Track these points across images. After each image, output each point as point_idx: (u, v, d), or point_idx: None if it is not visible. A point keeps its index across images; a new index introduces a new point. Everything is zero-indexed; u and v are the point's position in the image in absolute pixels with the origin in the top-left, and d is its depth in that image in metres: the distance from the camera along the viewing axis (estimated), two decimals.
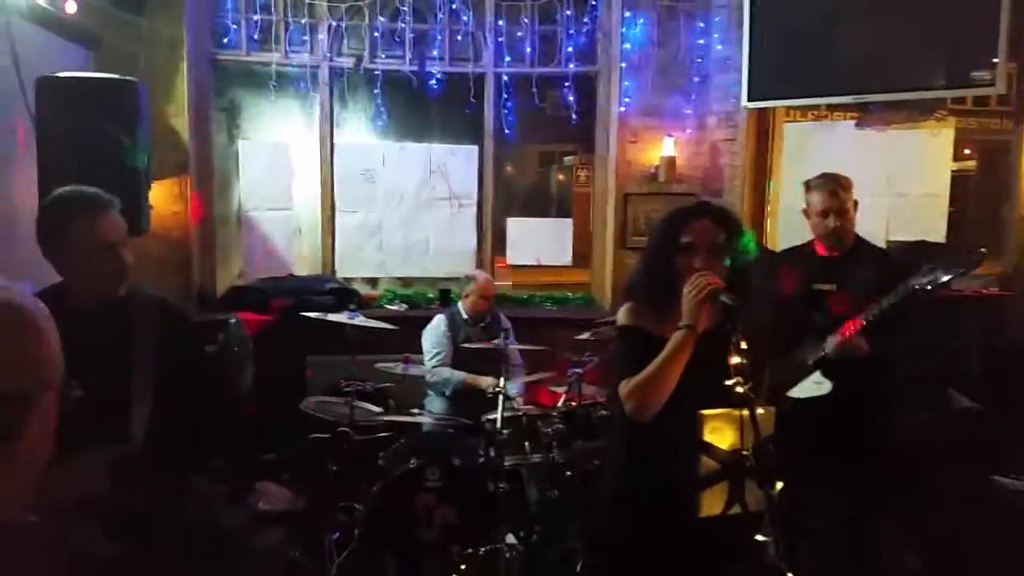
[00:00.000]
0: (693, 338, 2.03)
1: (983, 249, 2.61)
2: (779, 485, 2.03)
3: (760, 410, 1.98)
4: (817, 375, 2.90)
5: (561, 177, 6.87)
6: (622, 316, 2.22)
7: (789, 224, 5.05)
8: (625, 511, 2.30)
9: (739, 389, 2.09)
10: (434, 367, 4.23)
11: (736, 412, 2.05)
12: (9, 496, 0.93)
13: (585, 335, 4.06)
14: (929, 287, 2.63)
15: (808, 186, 3.10)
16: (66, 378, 1.21)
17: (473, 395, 4.09)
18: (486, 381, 4.05)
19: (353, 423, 3.59)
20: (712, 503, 2.12)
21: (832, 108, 5.39)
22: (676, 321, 2.07)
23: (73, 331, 1.98)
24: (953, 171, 4.74)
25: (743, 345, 2.09)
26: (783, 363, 3.02)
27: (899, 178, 4.63)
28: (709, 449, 2.16)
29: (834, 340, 2.81)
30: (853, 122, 4.79)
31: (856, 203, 3.04)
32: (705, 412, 2.09)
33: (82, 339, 1.98)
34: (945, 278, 2.60)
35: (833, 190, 2.99)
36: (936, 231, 4.51)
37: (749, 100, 4.82)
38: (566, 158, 6.80)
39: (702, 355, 2.00)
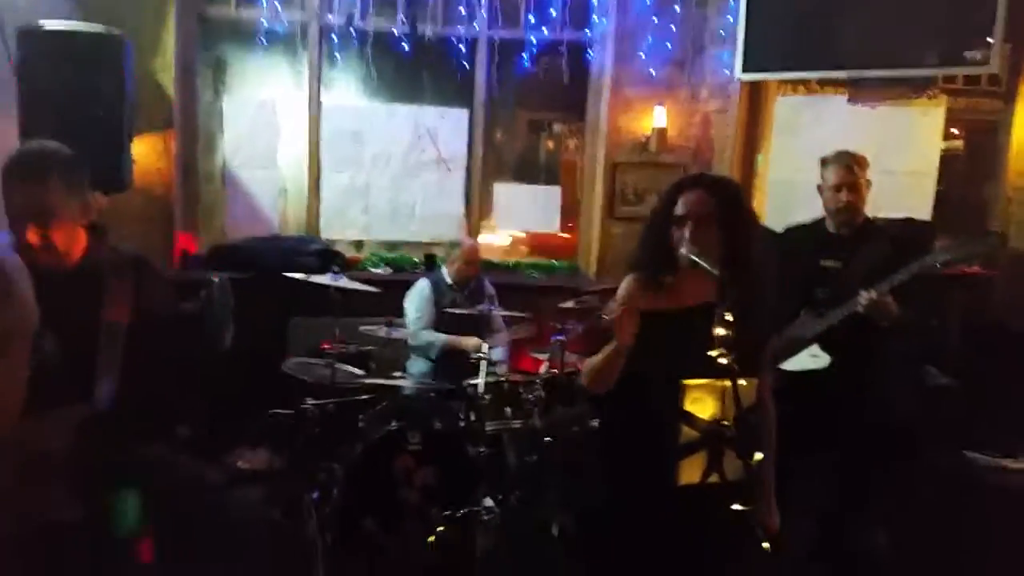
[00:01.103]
0: (621, 352, 2.05)
1: (998, 231, 2.65)
2: (758, 456, 2.04)
3: (743, 381, 1.98)
4: (814, 348, 2.92)
5: (551, 145, 6.80)
6: (622, 290, 2.18)
7: (778, 197, 5.06)
8: (611, 479, 2.30)
9: (722, 360, 2.09)
10: (417, 330, 4.22)
11: (719, 383, 2.06)
12: None
13: (569, 303, 4.07)
14: (940, 265, 2.68)
15: (824, 161, 3.12)
16: (41, 330, 1.20)
17: (456, 358, 4.09)
18: (470, 342, 4.05)
19: (332, 385, 3.58)
20: (690, 472, 2.14)
21: (824, 83, 5.37)
22: (673, 293, 2.09)
23: (42, 289, 1.96)
24: (941, 150, 4.74)
25: (728, 317, 2.10)
26: (780, 337, 3.05)
27: (888, 155, 4.61)
28: (689, 418, 2.18)
29: (867, 296, 2.77)
30: (845, 97, 4.76)
31: (869, 182, 3.05)
32: (687, 382, 2.10)
33: (51, 297, 1.96)
34: (958, 258, 2.65)
35: (848, 165, 3.02)
36: (923, 209, 4.52)
37: (743, 72, 4.79)
38: (555, 126, 6.72)
39: (698, 328, 1.99)
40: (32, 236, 1.98)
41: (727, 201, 2.09)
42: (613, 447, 2.31)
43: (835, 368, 2.86)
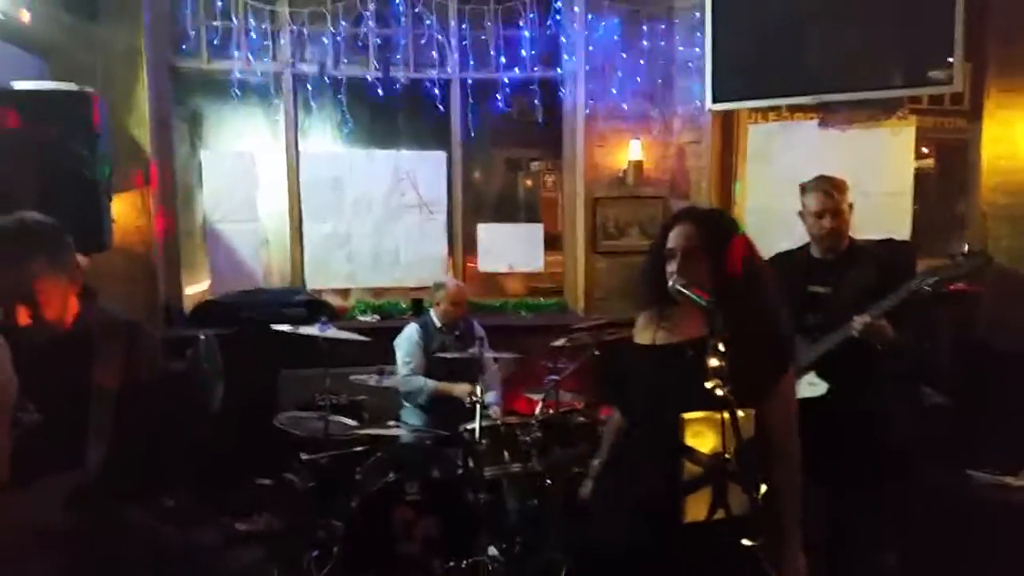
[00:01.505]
0: None
1: (980, 250, 2.68)
2: (763, 489, 2.03)
3: (741, 413, 1.97)
4: (812, 376, 2.92)
5: (529, 183, 6.85)
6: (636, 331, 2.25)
7: (755, 224, 5.10)
8: (613, 518, 2.28)
9: (719, 392, 2.09)
10: (406, 376, 4.18)
11: (716, 415, 2.04)
12: None
13: (560, 341, 4.05)
14: (929, 288, 2.70)
15: (803, 188, 3.14)
16: (22, 401, 1.17)
17: (448, 405, 4.05)
18: (459, 388, 4.02)
19: (326, 438, 3.53)
20: (696, 508, 2.12)
21: (793, 109, 5.46)
22: (676, 326, 2.12)
23: (28, 357, 1.91)
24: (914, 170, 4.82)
25: (720, 347, 2.09)
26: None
27: (862, 177, 4.66)
28: (691, 453, 2.16)
29: (861, 320, 2.79)
30: (816, 122, 4.84)
31: (851, 205, 3.08)
32: (685, 416, 2.09)
33: (36, 366, 1.91)
34: (947, 278, 2.68)
35: (827, 191, 3.04)
36: (901, 229, 4.57)
37: (713, 102, 4.86)
38: (533, 163, 6.79)
39: (694, 363, 1.98)
40: (22, 318, 1.92)
41: (715, 233, 2.11)
42: (618, 485, 2.29)
43: (833, 394, 2.86)
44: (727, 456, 2.06)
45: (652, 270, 2.17)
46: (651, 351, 2.16)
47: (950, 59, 4.16)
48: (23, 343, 1.96)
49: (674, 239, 2.11)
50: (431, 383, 4.15)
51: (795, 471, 2.23)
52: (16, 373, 1.80)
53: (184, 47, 5.09)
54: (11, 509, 1.82)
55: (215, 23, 5.09)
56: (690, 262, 2.07)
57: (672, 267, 2.09)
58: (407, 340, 4.29)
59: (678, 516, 2.09)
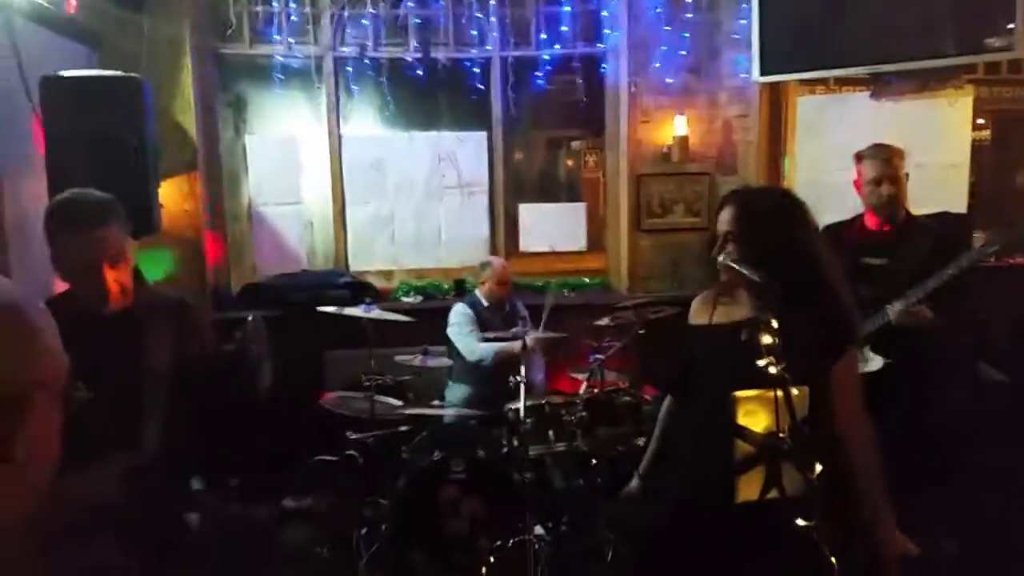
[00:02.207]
0: None
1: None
2: (818, 468, 1.98)
3: (795, 391, 1.93)
4: (866, 351, 2.85)
5: (570, 163, 6.78)
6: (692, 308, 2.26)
7: (807, 199, 4.96)
8: (667, 501, 2.26)
9: (771, 369, 2.04)
10: (471, 344, 4.14)
11: (769, 393, 2.00)
12: (12, 502, 0.89)
13: (604, 320, 4.01)
14: (973, 263, 2.62)
15: (859, 156, 3.05)
16: (71, 379, 1.17)
17: (494, 384, 4.02)
18: (516, 345, 3.95)
19: (373, 417, 3.55)
20: (749, 488, 2.08)
21: (842, 82, 5.30)
22: (722, 307, 2.12)
23: (83, 336, 1.94)
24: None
25: (774, 324, 2.04)
26: None
27: (917, 149, 4.51)
28: (743, 433, 2.12)
29: (897, 307, 2.73)
30: (868, 93, 4.70)
31: (907, 175, 2.98)
32: (738, 394, 2.06)
33: (93, 344, 1.94)
34: (992, 251, 2.60)
35: (887, 158, 2.96)
36: (958, 202, 4.42)
37: (761, 74, 4.74)
38: (574, 143, 6.71)
39: (747, 342, 1.94)
40: (110, 279, 1.98)
41: (759, 213, 2.09)
42: (671, 465, 2.27)
43: (889, 370, 2.78)
44: (781, 435, 2.03)
45: (707, 251, 2.16)
46: (707, 331, 2.15)
47: (1011, 25, 3.99)
48: (80, 320, 2.00)
49: (721, 222, 2.12)
50: (496, 345, 4.09)
51: (868, 448, 2.18)
52: (69, 350, 1.83)
53: (227, 34, 5.12)
54: (69, 490, 1.85)
55: (257, 8, 5.12)
56: (732, 243, 2.06)
57: (722, 247, 2.09)
58: (461, 315, 4.27)
59: (732, 497, 2.06)
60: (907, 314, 2.74)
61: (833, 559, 1.97)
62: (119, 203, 2.08)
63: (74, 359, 1.86)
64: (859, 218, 3.10)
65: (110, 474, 1.90)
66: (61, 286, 2.11)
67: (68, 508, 1.83)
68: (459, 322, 4.27)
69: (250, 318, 2.70)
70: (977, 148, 5.13)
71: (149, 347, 2.03)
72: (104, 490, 1.89)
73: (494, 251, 5.45)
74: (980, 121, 5.67)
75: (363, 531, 3.37)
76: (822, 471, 1.98)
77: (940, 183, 4.46)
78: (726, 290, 2.14)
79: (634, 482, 2.50)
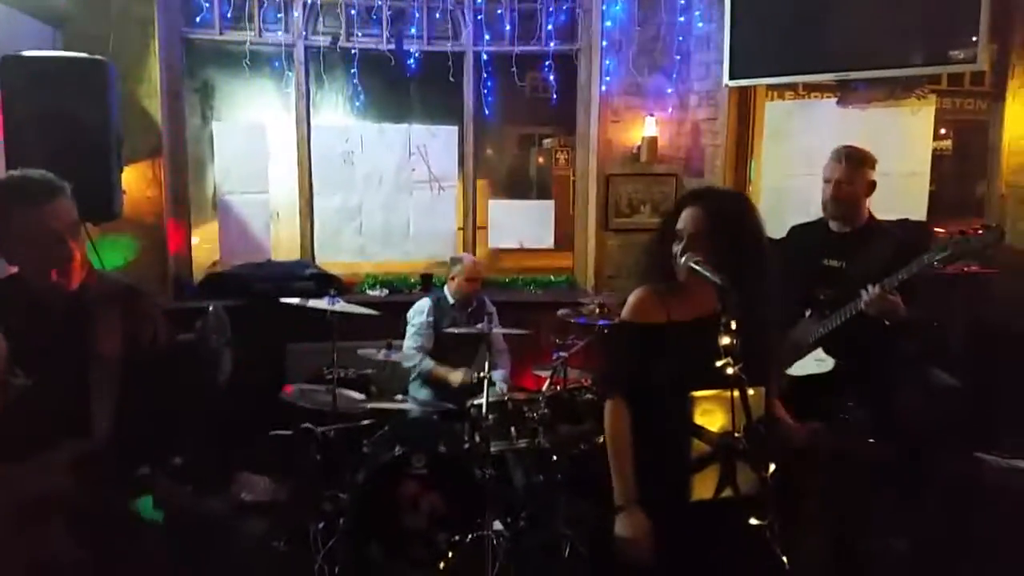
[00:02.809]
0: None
1: (995, 225, 2.62)
2: (771, 468, 2.01)
3: (751, 391, 1.96)
4: (819, 352, 2.88)
5: (541, 160, 6.81)
6: (628, 306, 2.23)
7: (771, 204, 5.04)
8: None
9: (729, 370, 2.07)
10: (409, 349, 4.18)
11: (726, 393, 2.03)
12: None
13: (565, 311, 4.02)
14: (941, 261, 2.65)
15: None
16: (9, 365, 1.15)
17: (443, 385, 4.06)
18: (454, 375, 4.03)
19: (334, 411, 3.53)
20: (704, 487, 2.11)
21: (809, 88, 5.38)
22: (680, 305, 2.12)
23: (33, 321, 1.90)
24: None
25: (733, 325, 2.08)
26: (786, 340, 3.02)
27: (880, 156, 4.58)
28: (699, 431, 2.15)
29: (871, 293, 2.73)
30: (834, 100, 4.77)
31: (874, 183, 3.01)
32: (695, 394, 2.09)
33: (41, 330, 1.91)
34: (960, 253, 2.64)
35: (839, 158, 2.99)
36: (918, 210, 4.50)
37: (730, 78, 4.79)
38: (545, 140, 6.74)
39: (704, 338, 1.97)
40: (63, 252, 1.94)
41: (724, 216, 2.11)
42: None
43: (840, 371, 2.82)
44: (736, 435, 2.06)
45: (660, 247, 2.18)
46: (670, 329, 2.14)
47: (975, 38, 4.07)
48: (27, 305, 1.96)
49: (683, 220, 2.13)
50: (428, 364, 4.15)
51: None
52: (15, 337, 1.80)
53: (197, 18, 5.05)
54: (17, 477, 1.82)
55: None
56: (696, 243, 2.08)
57: (678, 248, 2.10)
58: (419, 314, 4.28)
59: (688, 495, 2.09)
60: (879, 302, 2.72)
61: (784, 558, 2.01)
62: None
63: (20, 345, 1.83)
64: (823, 220, 3.14)
65: (59, 460, 1.87)
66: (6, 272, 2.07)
67: (17, 496, 1.81)
68: (414, 323, 4.28)
69: (211, 308, 2.66)
70: (938, 157, 5.23)
71: (98, 334, 2.00)
72: (53, 477, 1.86)
73: (463, 247, 5.45)
74: (942, 131, 5.79)
75: (321, 525, 3.35)
76: (775, 470, 2.02)
77: (901, 191, 4.53)
78: (677, 288, 2.14)
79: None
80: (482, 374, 3.52)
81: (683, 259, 2.08)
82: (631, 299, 2.23)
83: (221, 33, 5.11)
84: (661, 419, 2.12)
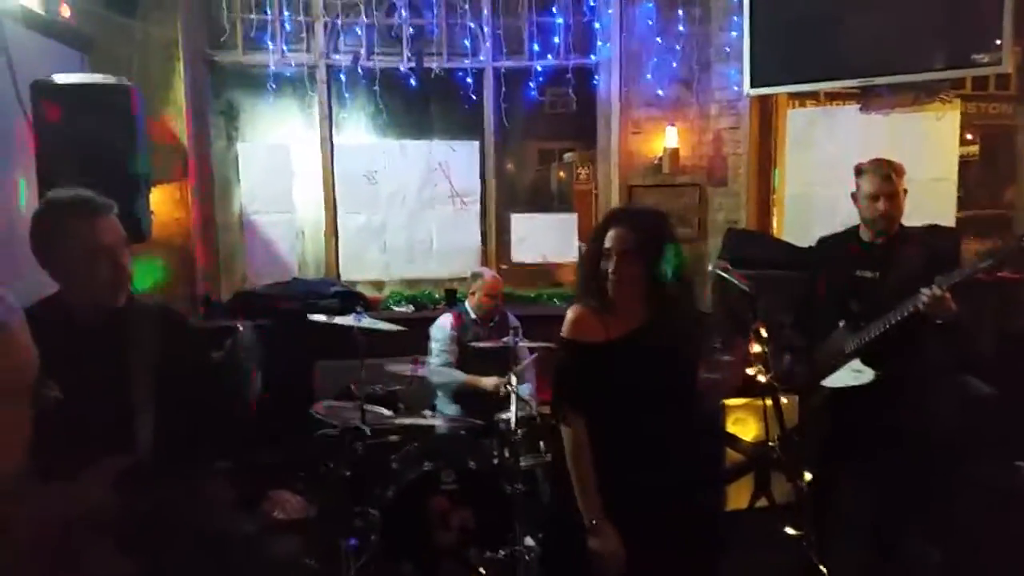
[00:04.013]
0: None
1: None
2: (808, 477, 1.99)
3: (784, 400, 1.96)
4: (856, 363, 2.85)
5: (562, 174, 6.81)
6: (566, 325, 2.27)
7: (795, 212, 5.01)
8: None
9: (761, 378, 2.07)
10: (437, 366, 4.17)
11: (758, 402, 2.02)
12: None
13: None
14: (993, 266, 2.67)
15: (859, 170, 3.06)
16: (42, 378, 1.16)
17: (481, 396, 4.04)
18: (488, 381, 4.00)
19: (364, 427, 3.53)
20: (738, 496, 2.10)
21: (831, 96, 5.34)
22: (614, 321, 2.18)
23: (73, 341, 1.92)
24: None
25: (763, 333, 2.08)
26: (819, 351, 2.99)
27: (906, 163, 4.55)
28: (733, 441, 2.13)
29: (930, 292, 2.68)
30: (857, 107, 4.73)
31: (906, 191, 3.00)
32: (727, 403, 2.09)
33: (82, 349, 1.93)
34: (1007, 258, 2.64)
35: (886, 174, 2.96)
36: (946, 215, 4.45)
37: (752, 87, 4.77)
38: (566, 155, 6.74)
39: (643, 350, 2.10)
40: (117, 267, 1.98)
41: (648, 234, 2.18)
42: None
43: (880, 382, 2.79)
44: (771, 444, 2.04)
45: (590, 267, 2.22)
46: (609, 346, 2.17)
47: (999, 40, 4.04)
48: (67, 326, 1.98)
49: (610, 240, 2.18)
50: (460, 376, 4.14)
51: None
52: (55, 356, 1.82)
53: (220, 41, 5.13)
54: (60, 495, 1.83)
55: (250, 16, 5.12)
56: (624, 262, 2.14)
57: (608, 266, 2.16)
58: (441, 330, 4.28)
59: (668, 508, 2.08)
60: (938, 301, 2.67)
61: (822, 567, 1.98)
62: None
63: (60, 365, 1.85)
64: (854, 230, 3.12)
65: (100, 477, 1.89)
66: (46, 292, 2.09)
67: (61, 514, 1.82)
68: (437, 339, 4.27)
69: (240, 328, 2.69)
70: (964, 163, 5.17)
71: (136, 353, 2.02)
72: (96, 494, 1.88)
73: (485, 261, 5.45)
74: (968, 136, 5.72)
75: (352, 542, 3.34)
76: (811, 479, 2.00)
77: (928, 197, 4.49)
78: (609, 305, 2.19)
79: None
80: (508, 387, 3.51)
81: (710, 267, 2.12)
82: (569, 317, 2.26)
83: (244, 55, 5.19)
84: (616, 434, 2.13)
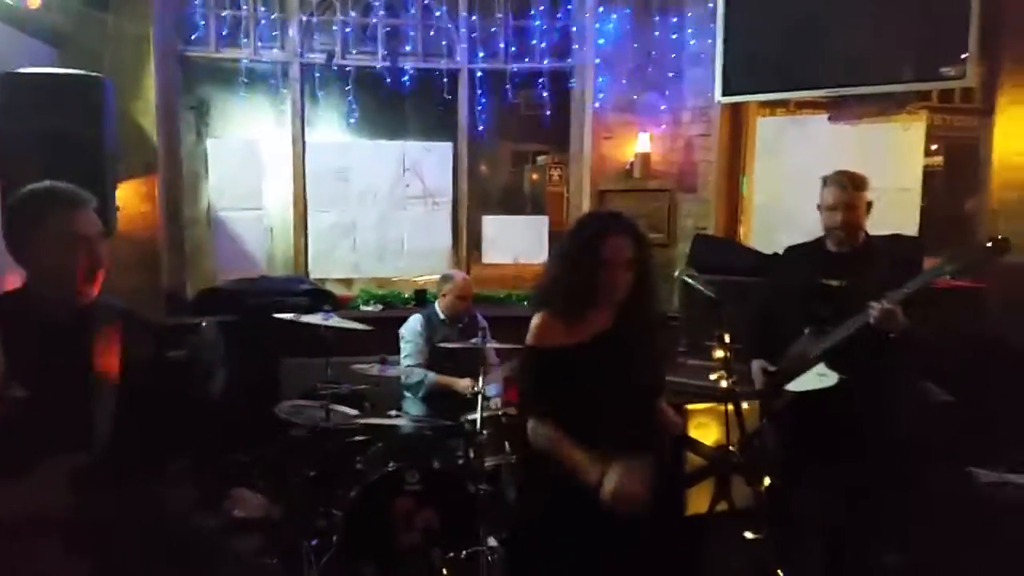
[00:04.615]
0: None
1: (1001, 238, 2.64)
2: (767, 481, 2.02)
3: (745, 405, 1.98)
4: (821, 367, 2.89)
5: (535, 176, 6.83)
6: (534, 332, 2.23)
7: (763, 220, 5.07)
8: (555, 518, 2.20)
9: (723, 383, 2.09)
10: (408, 367, 4.17)
11: (720, 407, 2.05)
12: None
13: None
14: (949, 274, 2.71)
15: (824, 181, 3.11)
16: (5, 378, 1.15)
17: (450, 396, 4.04)
18: (461, 383, 4.01)
19: (328, 426, 3.52)
20: (698, 500, 2.11)
21: (801, 104, 5.42)
22: (587, 326, 2.16)
23: (34, 336, 1.90)
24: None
25: (728, 339, 2.11)
26: (785, 356, 3.03)
27: (872, 172, 4.60)
28: (694, 445, 2.15)
29: (879, 306, 2.73)
30: (826, 116, 4.80)
31: (871, 203, 3.05)
32: (688, 407, 2.11)
33: (44, 345, 1.91)
34: (965, 266, 2.70)
35: (843, 185, 3.00)
36: (909, 225, 4.53)
37: (723, 95, 4.83)
38: (539, 157, 6.76)
39: (606, 358, 2.11)
40: (94, 259, 1.96)
41: (643, 241, 2.20)
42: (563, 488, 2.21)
43: (843, 386, 2.83)
44: (731, 448, 2.07)
45: (582, 275, 2.15)
46: (569, 351, 2.16)
47: (964, 55, 4.12)
48: (30, 321, 1.96)
49: (611, 250, 2.13)
50: (432, 376, 4.14)
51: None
52: (16, 351, 1.80)
53: (193, 36, 5.08)
54: (14, 492, 1.81)
55: (224, 12, 5.08)
56: (624, 272, 2.13)
57: (607, 276, 2.12)
58: (411, 331, 4.27)
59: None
60: (887, 314, 2.73)
61: (779, 572, 2.01)
62: None
63: (21, 359, 1.83)
64: (821, 239, 3.17)
65: (56, 475, 1.87)
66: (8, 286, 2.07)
67: (14, 511, 1.80)
68: (408, 339, 4.26)
69: (204, 324, 2.67)
70: (929, 174, 5.26)
71: (97, 350, 2.00)
72: (50, 491, 1.86)
73: (456, 262, 5.45)
74: (933, 147, 5.82)
75: (314, 541, 3.32)
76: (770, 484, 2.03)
77: (892, 207, 4.56)
78: (587, 312, 2.18)
79: None
80: (477, 388, 3.52)
81: (676, 273, 2.14)
82: (534, 323, 2.24)
83: (217, 51, 5.14)
84: (585, 436, 2.09)
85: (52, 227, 1.93)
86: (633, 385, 2.13)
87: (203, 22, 5.06)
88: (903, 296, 2.74)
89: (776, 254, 3.39)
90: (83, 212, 1.97)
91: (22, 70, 3.48)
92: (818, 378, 2.90)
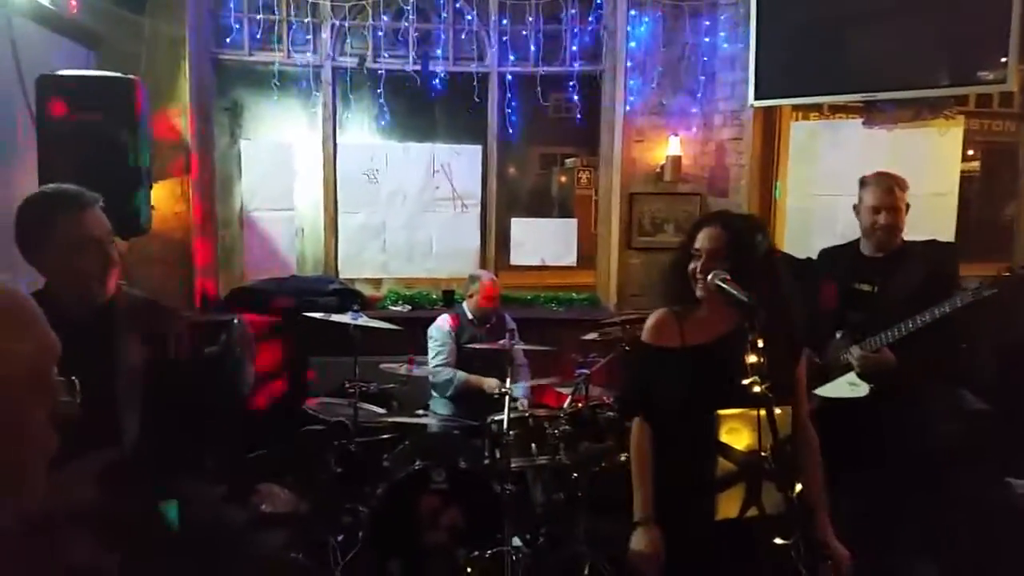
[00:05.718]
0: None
1: (1021, 267, 2.60)
2: (798, 487, 1.98)
3: (778, 410, 1.94)
4: (852, 376, 2.86)
5: (563, 179, 6.83)
6: (646, 328, 2.24)
7: (796, 225, 5.01)
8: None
9: (756, 388, 2.05)
10: (436, 367, 4.18)
11: (752, 412, 2.01)
12: (21, 490, 0.89)
13: (592, 335, 4.02)
14: (971, 301, 2.66)
15: (863, 182, 3.06)
16: (59, 389, 1.16)
17: (477, 396, 4.05)
18: (489, 382, 4.02)
19: (356, 424, 3.54)
20: (728, 506, 2.09)
21: (835, 109, 5.35)
22: (701, 325, 2.13)
23: (61, 336, 1.93)
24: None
25: (760, 343, 2.07)
26: (815, 362, 3.00)
27: (907, 177, 4.56)
28: (725, 450, 2.13)
29: (858, 351, 2.77)
30: (860, 121, 4.74)
31: (908, 205, 3.00)
32: (721, 412, 2.07)
33: (69, 344, 1.94)
34: (987, 293, 2.65)
35: (889, 187, 2.96)
36: (946, 231, 4.45)
37: (756, 98, 4.78)
38: (568, 160, 6.76)
39: (724, 358, 1.98)
40: (106, 258, 1.99)
41: (740, 234, 2.12)
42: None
43: (875, 396, 2.79)
44: (763, 454, 2.03)
45: (677, 269, 2.18)
46: (684, 352, 2.14)
47: (1004, 59, 4.05)
48: (56, 319, 1.99)
49: (701, 240, 2.12)
50: (461, 375, 4.15)
51: (818, 455, 2.24)
52: None
53: (227, 39, 5.15)
54: (48, 491, 1.84)
55: (258, 16, 5.15)
56: (715, 263, 2.08)
57: (697, 266, 2.10)
58: (440, 331, 4.29)
59: (712, 515, 2.07)
60: (867, 361, 2.81)
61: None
62: None
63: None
64: (855, 243, 3.12)
65: (87, 470, 1.89)
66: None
67: (44, 506, 1.82)
68: (436, 339, 4.28)
69: (235, 321, 2.69)
70: (966, 179, 5.18)
71: (124, 347, 2.03)
72: (80, 487, 1.88)
73: (484, 264, 5.46)
74: (970, 152, 5.72)
75: (340, 538, 3.34)
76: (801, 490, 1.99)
77: (928, 211, 4.49)
78: (695, 309, 2.15)
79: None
80: (504, 389, 3.52)
81: (709, 277, 2.08)
82: (649, 321, 2.25)
83: (250, 54, 5.21)
84: (681, 440, 2.11)
85: (59, 229, 1.95)
86: (755, 396, 1.92)
87: (237, 26, 5.13)
88: (884, 343, 2.79)
89: (809, 259, 3.35)
90: (91, 213, 1.99)
91: (59, 72, 3.55)
92: (849, 387, 2.86)
